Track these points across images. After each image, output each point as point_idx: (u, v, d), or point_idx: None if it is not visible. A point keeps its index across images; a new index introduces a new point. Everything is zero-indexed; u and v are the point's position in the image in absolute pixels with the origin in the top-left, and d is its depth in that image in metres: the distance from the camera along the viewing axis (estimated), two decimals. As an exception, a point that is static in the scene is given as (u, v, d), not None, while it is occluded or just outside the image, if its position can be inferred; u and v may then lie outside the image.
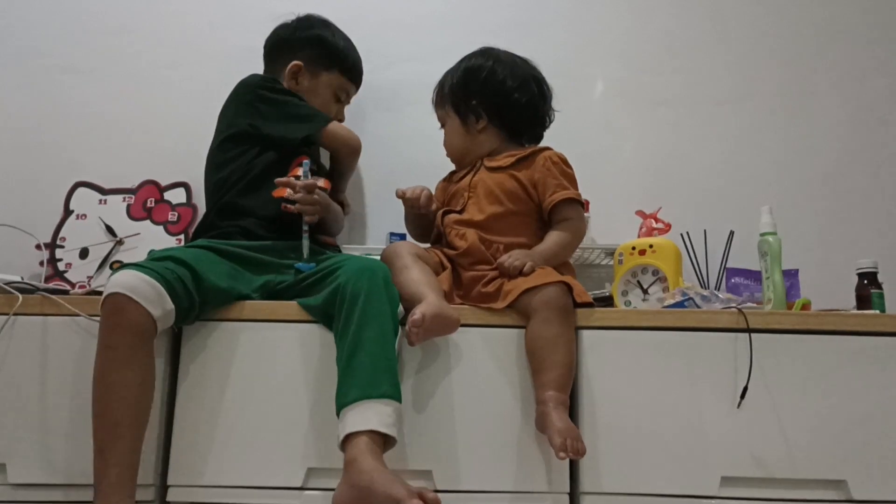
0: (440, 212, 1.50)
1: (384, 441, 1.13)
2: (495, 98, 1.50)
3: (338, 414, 1.15)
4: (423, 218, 1.52)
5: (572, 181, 1.46)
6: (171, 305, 1.18)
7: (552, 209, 1.42)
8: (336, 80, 1.66)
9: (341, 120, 1.68)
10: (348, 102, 1.72)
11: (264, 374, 1.27)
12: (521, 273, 1.31)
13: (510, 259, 1.33)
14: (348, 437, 1.11)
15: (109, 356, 1.15)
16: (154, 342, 1.19)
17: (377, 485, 1.04)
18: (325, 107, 1.63)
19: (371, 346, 1.16)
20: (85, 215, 1.71)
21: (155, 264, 1.20)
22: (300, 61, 1.61)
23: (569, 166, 1.47)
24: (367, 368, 1.15)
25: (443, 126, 1.57)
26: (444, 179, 1.60)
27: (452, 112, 1.52)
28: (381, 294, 1.21)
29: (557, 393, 1.19)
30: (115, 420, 1.13)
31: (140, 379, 1.17)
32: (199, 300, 1.22)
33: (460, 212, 1.47)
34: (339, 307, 1.21)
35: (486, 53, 1.54)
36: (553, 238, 1.41)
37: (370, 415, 1.12)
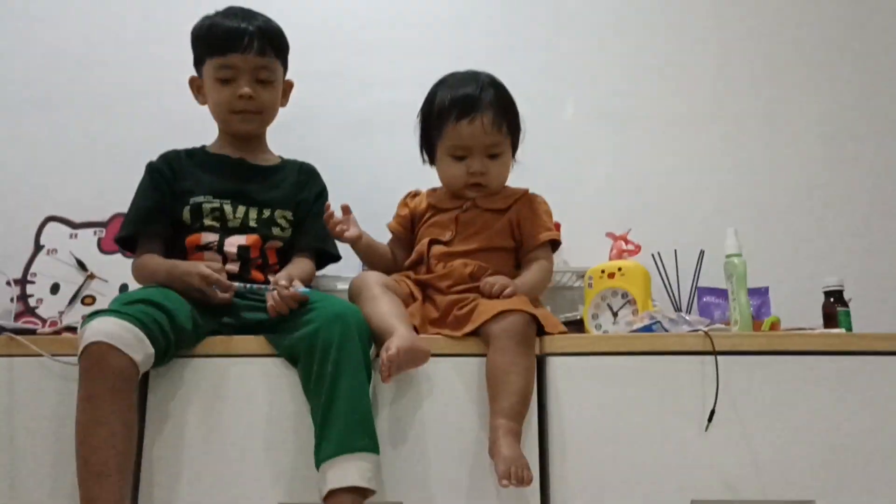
0: (426, 240, 1.49)
1: (364, 493, 1.16)
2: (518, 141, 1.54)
3: (317, 467, 1.17)
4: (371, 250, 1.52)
5: (552, 223, 1.53)
6: (151, 350, 1.18)
7: (533, 248, 1.47)
8: (209, 66, 1.50)
9: (246, 96, 1.49)
10: (244, 79, 1.49)
11: (232, 410, 1.27)
12: (501, 295, 1.32)
13: (495, 278, 1.36)
14: (330, 494, 1.14)
15: (92, 405, 1.13)
16: (135, 387, 1.18)
17: None
18: (218, 101, 1.51)
19: (346, 398, 1.17)
20: (56, 250, 1.71)
21: (131, 308, 1.19)
22: (195, 74, 1.57)
23: (548, 207, 1.54)
24: (343, 423, 1.16)
25: (492, 154, 1.47)
26: (412, 196, 1.60)
27: (509, 145, 1.50)
28: (354, 342, 1.21)
29: (507, 421, 1.19)
30: (100, 471, 1.11)
31: (123, 425, 1.15)
32: (174, 340, 1.22)
33: (447, 243, 1.48)
34: (309, 355, 1.22)
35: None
36: (532, 273, 1.44)
37: (350, 470, 1.15)
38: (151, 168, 1.52)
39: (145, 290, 1.29)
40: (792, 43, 2.02)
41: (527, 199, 1.51)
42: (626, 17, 2.03)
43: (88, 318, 1.19)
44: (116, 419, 1.14)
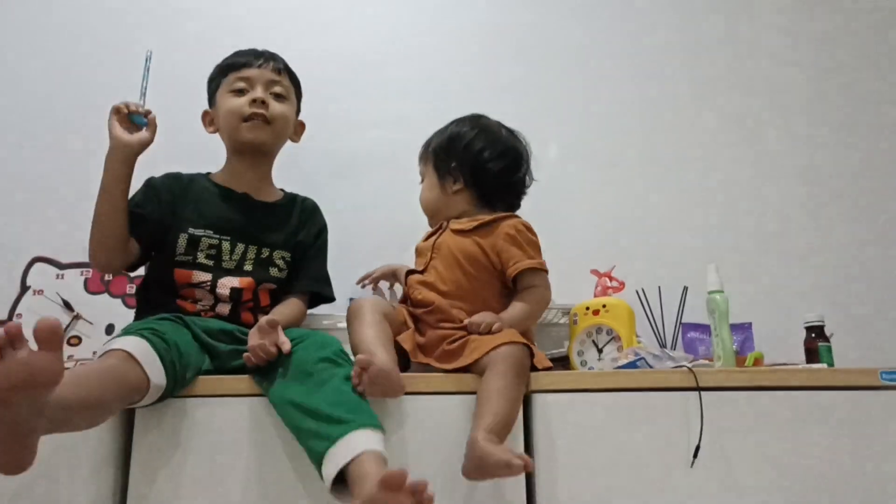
0: (405, 271, 1.53)
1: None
2: (472, 164, 1.53)
3: (320, 459, 1.10)
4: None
5: (536, 249, 1.47)
6: (163, 384, 1.17)
7: (517, 277, 1.44)
8: (225, 84, 1.55)
9: (259, 100, 1.51)
10: (258, 88, 1.52)
11: (220, 449, 1.26)
12: (489, 332, 1.33)
13: (480, 317, 1.36)
14: (346, 466, 1.06)
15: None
16: (125, 403, 1.16)
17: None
18: (230, 109, 1.51)
19: (335, 388, 1.17)
20: (42, 290, 1.71)
21: (157, 341, 1.18)
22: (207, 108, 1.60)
23: (533, 234, 1.49)
24: (355, 405, 1.15)
25: (422, 181, 1.61)
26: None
27: (432, 169, 1.57)
28: (336, 360, 1.23)
29: (487, 433, 1.15)
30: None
31: None
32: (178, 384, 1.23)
33: (423, 272, 1.49)
34: (296, 378, 1.21)
35: (475, 121, 1.58)
36: (520, 306, 1.42)
37: (360, 439, 1.09)
38: (151, 183, 1.51)
39: (162, 324, 1.26)
40: (772, 83, 2.07)
41: (500, 224, 1.47)
42: (610, 59, 2.08)
43: (111, 338, 1.20)
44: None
